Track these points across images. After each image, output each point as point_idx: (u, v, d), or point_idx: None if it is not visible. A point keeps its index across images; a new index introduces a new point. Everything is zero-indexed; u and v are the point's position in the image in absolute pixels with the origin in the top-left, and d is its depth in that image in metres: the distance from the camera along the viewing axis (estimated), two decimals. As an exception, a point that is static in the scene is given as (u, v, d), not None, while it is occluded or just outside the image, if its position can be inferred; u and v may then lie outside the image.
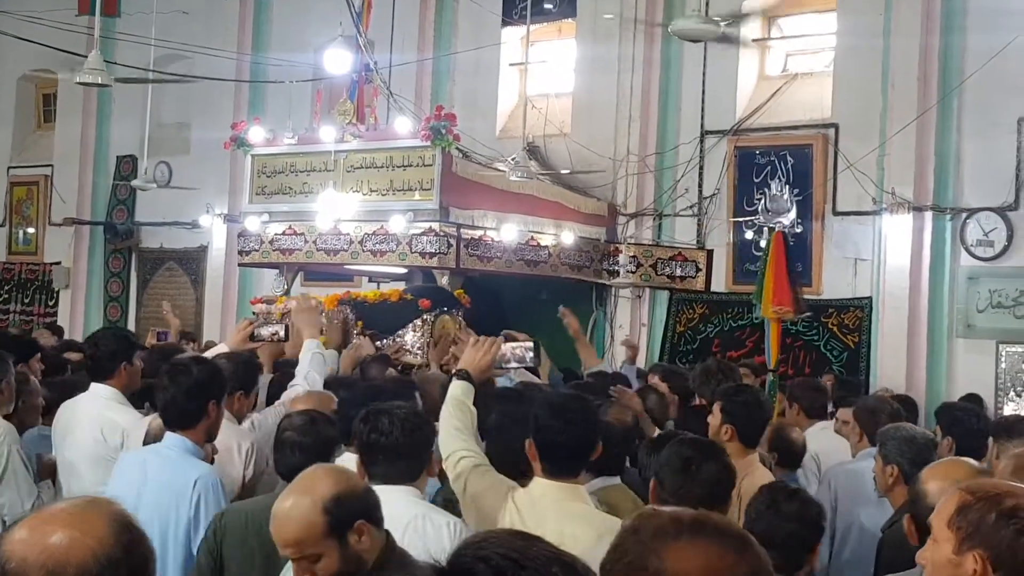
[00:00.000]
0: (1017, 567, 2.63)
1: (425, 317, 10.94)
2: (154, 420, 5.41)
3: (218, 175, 17.41)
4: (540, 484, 4.05)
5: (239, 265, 14.96)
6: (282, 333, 6.96)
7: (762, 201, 10.93)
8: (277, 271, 13.33)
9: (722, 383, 6.25)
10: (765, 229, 13.27)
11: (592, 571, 1.59)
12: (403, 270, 12.73)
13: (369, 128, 12.36)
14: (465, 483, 4.24)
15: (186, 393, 4.98)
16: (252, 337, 6.90)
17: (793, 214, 10.91)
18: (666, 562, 1.90)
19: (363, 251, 12.33)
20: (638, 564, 1.91)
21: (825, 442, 7.14)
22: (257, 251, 13.13)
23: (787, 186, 12.73)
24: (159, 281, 19.36)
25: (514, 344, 4.94)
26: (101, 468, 5.76)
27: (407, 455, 4.13)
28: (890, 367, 12.81)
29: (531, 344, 4.98)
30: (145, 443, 5.35)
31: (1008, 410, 11.90)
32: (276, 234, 12.90)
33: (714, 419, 5.62)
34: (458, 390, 4.63)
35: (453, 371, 4.93)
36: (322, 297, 11.26)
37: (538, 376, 7.68)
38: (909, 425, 5.50)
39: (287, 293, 12.78)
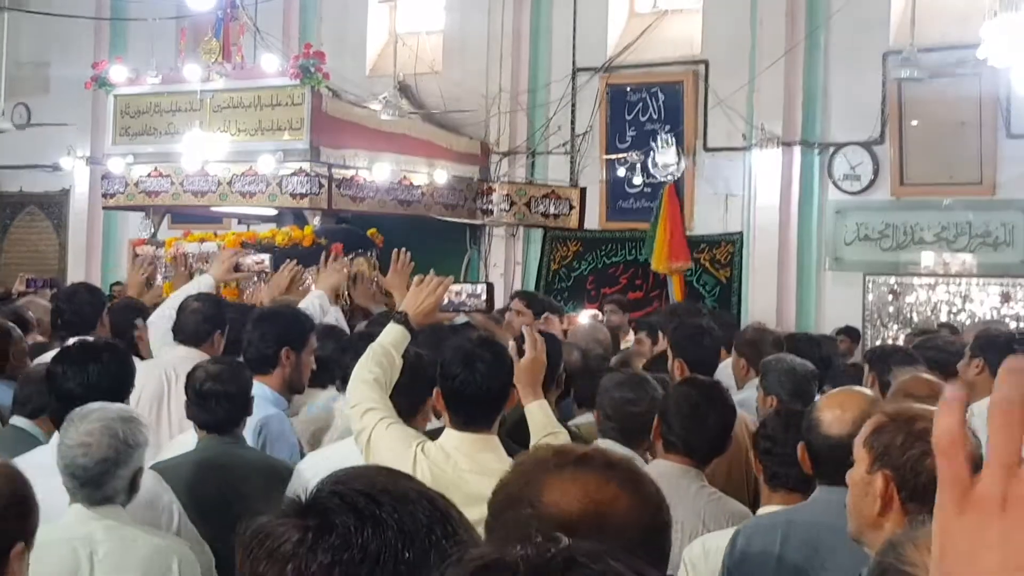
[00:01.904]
0: (919, 488, 2.67)
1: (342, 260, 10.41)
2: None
3: (80, 116, 16.89)
4: (452, 436, 3.80)
5: (104, 208, 14.56)
6: (268, 262, 6.85)
7: (651, 155, 10.96)
8: (143, 214, 13.05)
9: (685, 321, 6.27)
10: (638, 165, 13.39)
11: (457, 510, 1.55)
12: (273, 211, 12.54)
13: (236, 67, 12.11)
14: (369, 437, 3.86)
15: (261, 339, 4.95)
16: (237, 268, 6.83)
17: (683, 165, 10.98)
18: (543, 493, 1.85)
19: (232, 192, 12.14)
20: (515, 495, 1.89)
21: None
22: (122, 194, 12.83)
23: (661, 124, 12.82)
24: (20, 226, 18.80)
25: (463, 286, 4.60)
26: None
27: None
28: (761, 300, 13.01)
29: (483, 285, 4.63)
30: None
31: (878, 340, 12.15)
32: (141, 176, 12.62)
33: (671, 360, 5.64)
34: (390, 336, 4.13)
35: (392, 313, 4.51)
36: (223, 238, 10.98)
37: None
38: (790, 356, 5.54)
39: (154, 236, 12.51)
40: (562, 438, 4.02)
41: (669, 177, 10.65)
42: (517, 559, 1.19)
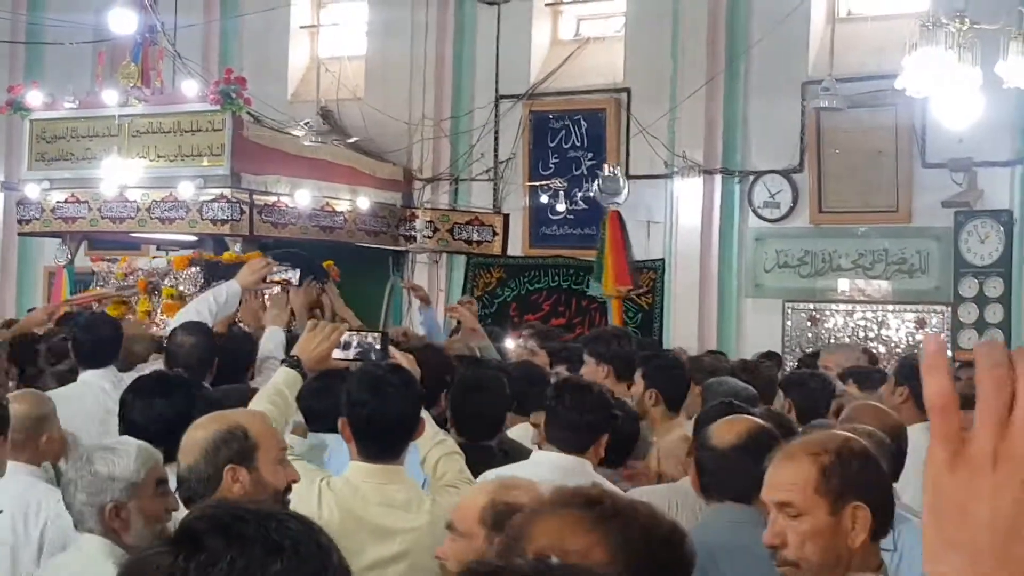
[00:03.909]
0: (884, 506, 2.77)
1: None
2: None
3: (-6, 141, 16.66)
4: (359, 469, 3.68)
5: (19, 235, 14.37)
6: (295, 280, 6.66)
7: (595, 183, 11.00)
8: (60, 240, 12.87)
9: (612, 345, 6.21)
10: (561, 192, 13.46)
11: (322, 531, 1.59)
12: (194, 238, 12.43)
13: (155, 92, 12.02)
14: None
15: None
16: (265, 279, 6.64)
17: (626, 193, 11.01)
18: (532, 532, 1.89)
19: (151, 219, 12.02)
20: (513, 535, 1.93)
21: None
22: (38, 220, 12.67)
23: (584, 152, 12.90)
24: (-69, 252, 18.42)
25: (358, 333, 4.53)
26: None
27: None
28: (682, 327, 13.08)
29: (377, 335, 4.55)
30: None
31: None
32: (58, 202, 12.46)
33: (636, 387, 5.61)
34: (281, 378, 4.15)
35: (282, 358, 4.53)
36: (168, 257, 10.90)
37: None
38: (732, 379, 5.59)
39: (71, 263, 12.35)
40: (448, 446, 4.02)
41: (614, 204, 10.69)
42: (521, 567, 1.34)
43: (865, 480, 2.75)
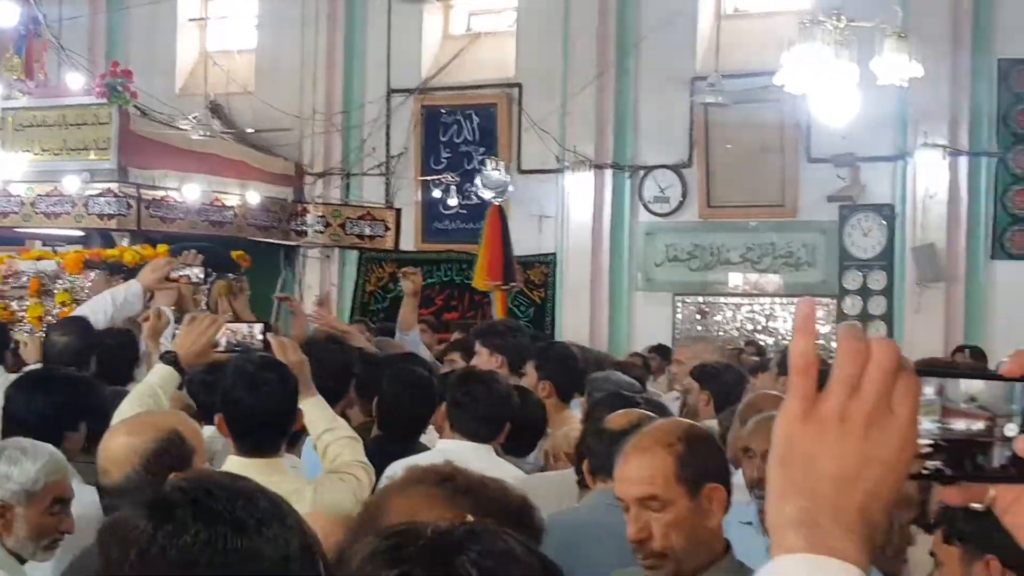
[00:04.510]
0: (729, 484, 2.88)
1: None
2: None
3: None
4: (237, 463, 3.59)
5: (-102, 231, 14.06)
6: (201, 275, 6.43)
7: (478, 178, 11.03)
8: (-59, 236, 12.61)
9: (507, 337, 6.20)
10: (453, 187, 13.48)
11: (291, 511, 1.67)
12: (80, 232, 12.25)
13: (39, 85, 11.85)
14: None
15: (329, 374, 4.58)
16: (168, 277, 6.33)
17: (511, 189, 11.06)
18: (388, 509, 1.94)
19: (36, 213, 11.89)
20: (369, 514, 2.00)
21: None
22: (-82, 215, 12.41)
23: (476, 146, 12.94)
24: None
25: (238, 325, 4.43)
26: None
27: None
28: (574, 321, 13.19)
29: (259, 324, 4.39)
30: None
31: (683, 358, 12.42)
32: (-61, 197, 12.22)
33: (530, 377, 5.60)
34: (156, 377, 4.04)
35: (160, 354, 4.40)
36: (57, 257, 10.61)
37: None
38: (617, 374, 5.65)
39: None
40: (341, 431, 4.01)
41: (497, 198, 10.73)
42: (427, 527, 1.43)
43: (715, 461, 2.86)
